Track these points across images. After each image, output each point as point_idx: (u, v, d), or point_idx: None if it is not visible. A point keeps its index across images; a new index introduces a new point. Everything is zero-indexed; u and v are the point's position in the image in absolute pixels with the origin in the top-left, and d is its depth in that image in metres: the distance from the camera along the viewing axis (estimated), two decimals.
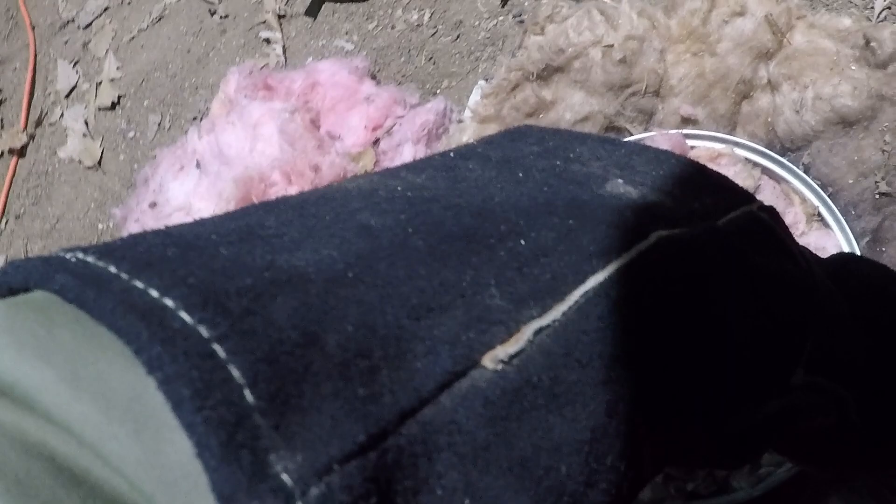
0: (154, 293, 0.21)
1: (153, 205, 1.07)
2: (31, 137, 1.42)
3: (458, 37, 1.14)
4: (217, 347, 0.20)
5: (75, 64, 1.45)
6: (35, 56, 1.49)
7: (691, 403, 0.32)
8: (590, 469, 0.27)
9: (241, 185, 0.91)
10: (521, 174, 0.34)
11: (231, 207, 0.91)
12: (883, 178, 0.77)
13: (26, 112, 1.43)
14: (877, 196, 0.78)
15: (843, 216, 0.81)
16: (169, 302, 0.21)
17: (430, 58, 1.14)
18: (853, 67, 0.77)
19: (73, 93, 1.43)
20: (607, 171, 0.35)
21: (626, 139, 0.82)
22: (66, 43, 1.48)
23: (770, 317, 0.35)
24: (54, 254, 0.23)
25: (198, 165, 1.04)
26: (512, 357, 0.25)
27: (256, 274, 0.23)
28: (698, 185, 0.37)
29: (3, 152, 1.42)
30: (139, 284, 0.21)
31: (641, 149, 0.39)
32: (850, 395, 0.44)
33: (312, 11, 1.26)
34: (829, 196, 0.81)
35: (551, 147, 0.37)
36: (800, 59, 0.79)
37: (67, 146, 1.36)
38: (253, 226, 0.26)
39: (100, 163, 1.33)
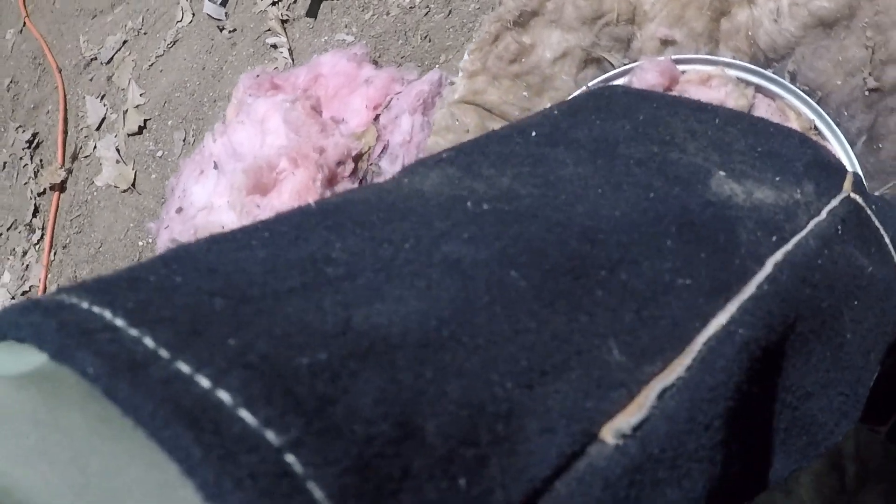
0: (205, 383, 0.16)
1: (179, 210, 1.11)
2: (69, 172, 1.50)
3: (449, 13, 1.16)
4: (292, 460, 0.16)
5: (102, 97, 1.52)
6: (65, 97, 1.57)
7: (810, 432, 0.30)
8: None
9: (252, 175, 0.95)
10: (619, 170, 0.30)
11: (243, 197, 0.95)
12: (870, 74, 0.77)
13: (62, 149, 1.51)
14: (866, 93, 0.78)
15: (837, 119, 0.80)
16: (224, 396, 0.16)
17: (426, 36, 1.17)
18: None
19: (103, 124, 1.50)
20: (708, 159, 0.32)
21: (621, 69, 0.84)
22: (91, 80, 1.56)
23: (877, 325, 0.33)
24: (72, 305, 0.18)
25: (215, 167, 1.09)
26: (635, 429, 0.22)
27: (331, 342, 0.18)
28: (798, 157, 0.34)
29: (45, 189, 1.50)
30: (185, 369, 0.17)
31: (732, 116, 0.36)
32: None
33: (313, 12, 1.30)
34: (818, 102, 0.81)
35: (642, 122, 0.33)
36: None
37: (103, 174, 1.43)
38: (317, 259, 0.21)
39: (133, 184, 1.40)
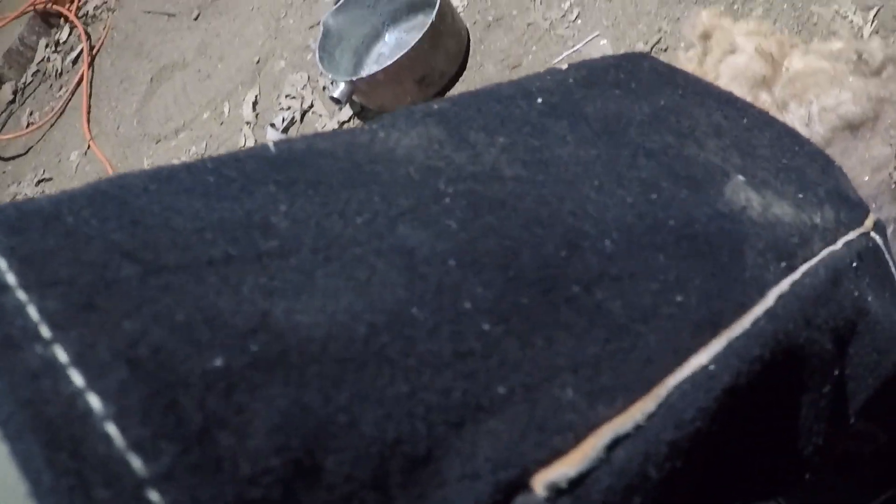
0: (78, 381, 0.14)
1: None
2: None
3: None
4: (156, 499, 0.14)
5: None
6: None
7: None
8: None
9: None
10: (625, 160, 0.27)
11: None
12: (895, 169, 0.85)
13: None
14: (892, 186, 0.85)
15: None
16: (95, 402, 0.14)
17: None
18: (851, 79, 0.87)
19: None
20: (727, 160, 0.30)
21: None
22: None
23: (874, 372, 0.30)
24: None
25: None
26: (572, 483, 0.18)
27: (236, 343, 0.16)
28: (822, 182, 0.33)
29: None
30: (62, 357, 0.14)
31: (763, 122, 0.34)
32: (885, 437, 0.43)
33: None
34: None
35: (663, 108, 0.31)
36: (801, 80, 0.88)
37: None
38: (254, 223, 0.18)
39: None
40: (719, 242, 0.25)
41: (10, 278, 0.15)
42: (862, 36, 0.96)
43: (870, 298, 0.30)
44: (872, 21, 1.00)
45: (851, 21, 1.02)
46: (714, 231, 0.25)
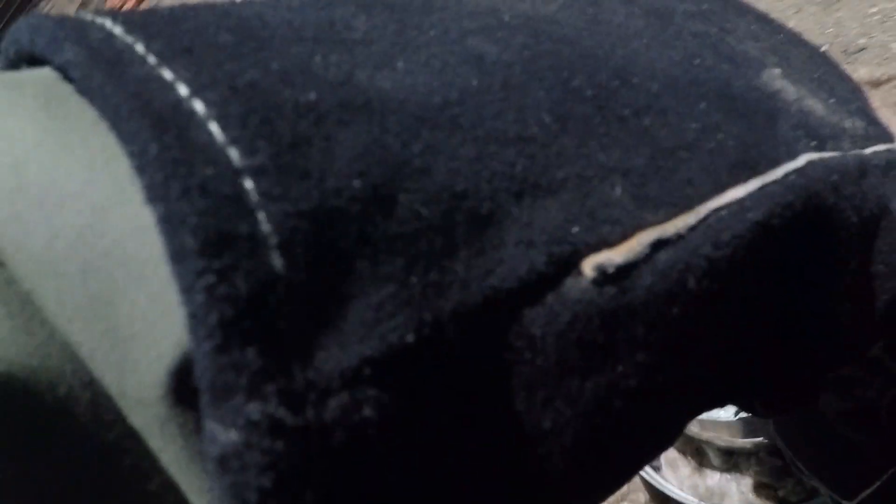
0: (183, 91, 0.16)
1: None
2: None
3: None
4: (250, 185, 0.15)
5: None
6: None
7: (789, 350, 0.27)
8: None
9: None
10: (671, 33, 0.28)
11: None
12: None
13: None
14: None
15: None
16: (199, 106, 0.16)
17: None
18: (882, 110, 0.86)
19: None
20: (764, 55, 0.31)
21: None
22: None
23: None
24: (80, 15, 0.18)
25: None
26: (619, 270, 0.20)
27: (326, 88, 0.18)
28: (852, 100, 0.33)
29: None
30: (167, 75, 0.16)
31: (799, 41, 0.35)
32: None
33: None
34: None
35: (706, 10, 0.32)
36: None
37: None
38: (336, 22, 0.21)
39: None
40: (755, 108, 0.26)
41: (117, 28, 0.17)
42: None
43: (893, 205, 0.31)
44: None
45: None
46: (752, 99, 0.26)
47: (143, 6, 1.83)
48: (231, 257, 0.14)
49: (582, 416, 0.19)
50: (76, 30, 0.17)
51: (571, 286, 0.19)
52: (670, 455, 0.85)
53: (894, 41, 1.04)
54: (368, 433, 0.15)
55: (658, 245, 0.20)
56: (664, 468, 0.86)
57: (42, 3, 2.66)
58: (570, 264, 0.19)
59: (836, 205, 0.26)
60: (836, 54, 0.88)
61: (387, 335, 0.16)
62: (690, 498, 0.82)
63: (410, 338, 0.16)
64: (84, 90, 0.16)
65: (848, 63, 1.03)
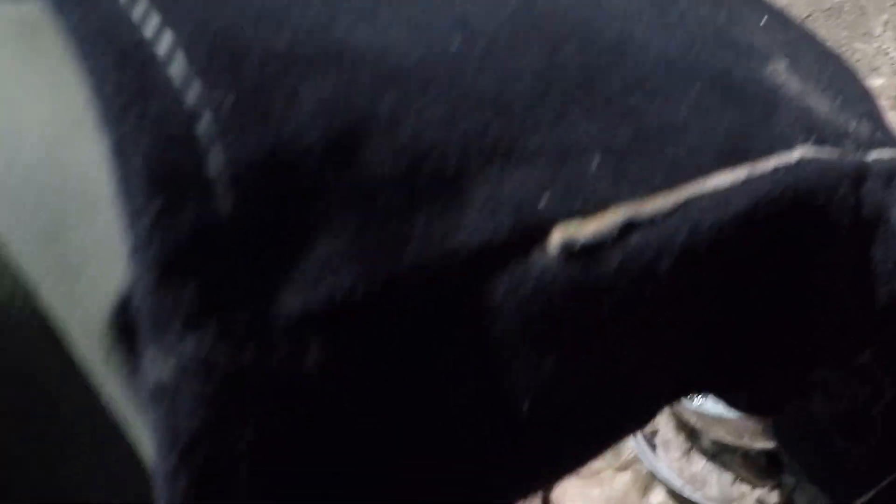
0: (152, 25, 0.16)
1: None
2: None
3: None
4: (202, 125, 0.15)
5: None
6: None
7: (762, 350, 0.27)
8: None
9: None
10: (674, 16, 0.27)
11: None
12: None
13: None
14: None
15: None
16: (166, 39, 0.16)
17: None
18: (892, 114, 0.86)
19: None
20: (772, 48, 0.30)
21: None
22: None
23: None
24: None
25: None
26: (586, 248, 0.19)
27: (300, 37, 0.17)
28: (861, 104, 0.32)
29: None
30: (137, 11, 0.16)
31: (810, 39, 0.34)
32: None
33: None
34: None
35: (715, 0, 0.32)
36: None
37: None
38: None
39: None
40: (753, 98, 0.25)
41: None
42: None
43: (892, 214, 0.29)
44: None
45: (893, 58, 1.00)
46: (751, 87, 0.26)
47: None
48: (176, 194, 0.14)
49: (537, 389, 0.19)
50: None
51: (538, 257, 0.18)
52: (666, 437, 0.86)
53: None
54: (309, 385, 0.15)
55: (631, 226, 0.20)
56: (659, 448, 0.87)
57: None
58: (536, 234, 0.18)
59: (827, 206, 0.25)
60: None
61: (334, 289, 0.15)
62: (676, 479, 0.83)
63: (359, 293, 0.16)
64: (56, 23, 0.16)
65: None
